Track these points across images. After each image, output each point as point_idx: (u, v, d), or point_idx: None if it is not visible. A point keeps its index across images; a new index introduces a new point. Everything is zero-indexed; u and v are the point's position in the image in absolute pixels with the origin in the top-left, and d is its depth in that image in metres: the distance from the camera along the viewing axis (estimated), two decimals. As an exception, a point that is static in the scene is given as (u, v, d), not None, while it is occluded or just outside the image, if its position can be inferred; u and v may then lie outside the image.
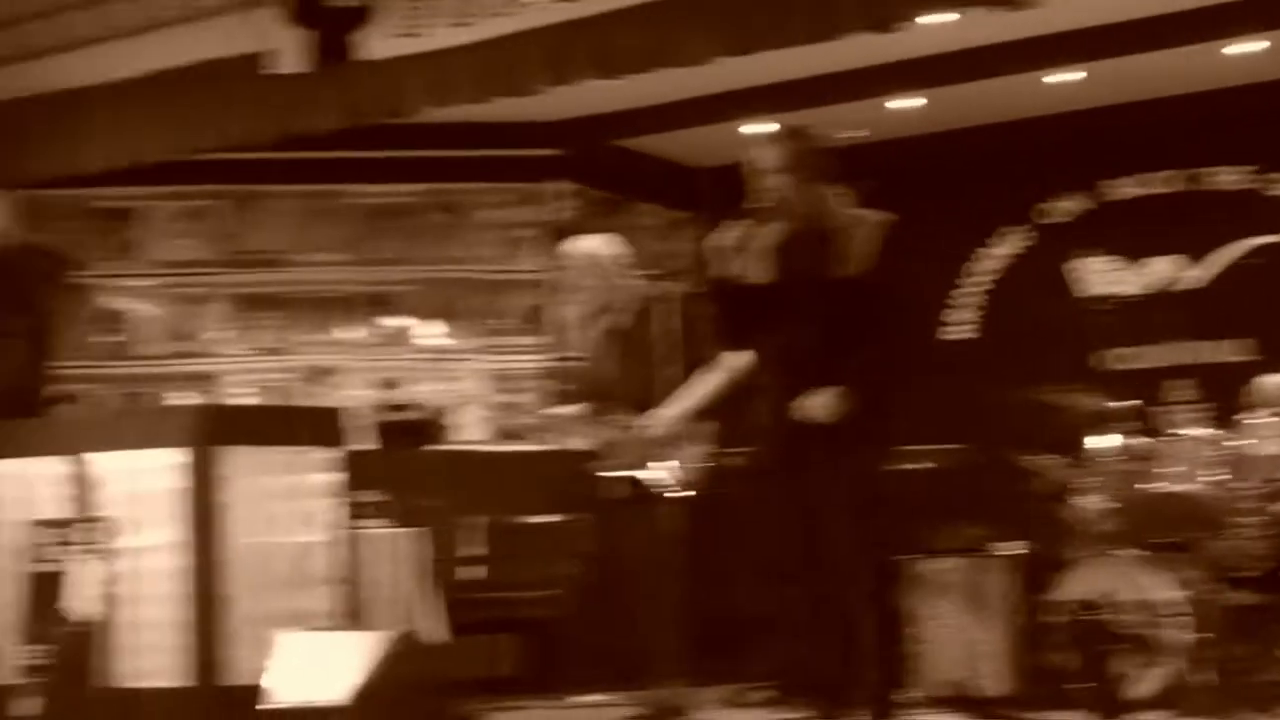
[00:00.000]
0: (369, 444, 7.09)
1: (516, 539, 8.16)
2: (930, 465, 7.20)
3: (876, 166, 6.17)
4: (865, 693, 5.33)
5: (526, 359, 8.72)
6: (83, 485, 6.77)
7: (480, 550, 8.15)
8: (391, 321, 8.74)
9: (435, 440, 7.25)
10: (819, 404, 5.23)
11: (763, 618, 7.33)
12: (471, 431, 8.43)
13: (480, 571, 8.12)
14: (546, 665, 7.88)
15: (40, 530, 6.78)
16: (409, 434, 7.13)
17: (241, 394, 8.54)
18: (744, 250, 5.38)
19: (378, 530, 7.09)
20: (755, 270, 5.41)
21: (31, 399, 7.55)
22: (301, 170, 8.54)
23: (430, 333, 8.69)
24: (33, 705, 6.55)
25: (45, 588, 6.66)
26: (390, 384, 8.49)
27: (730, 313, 5.52)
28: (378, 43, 6.45)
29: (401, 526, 7.01)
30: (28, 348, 7.63)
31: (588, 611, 7.70)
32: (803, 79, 7.89)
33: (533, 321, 8.79)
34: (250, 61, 6.75)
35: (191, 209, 8.78)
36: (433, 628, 6.96)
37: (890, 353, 5.30)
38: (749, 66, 6.33)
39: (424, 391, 7.89)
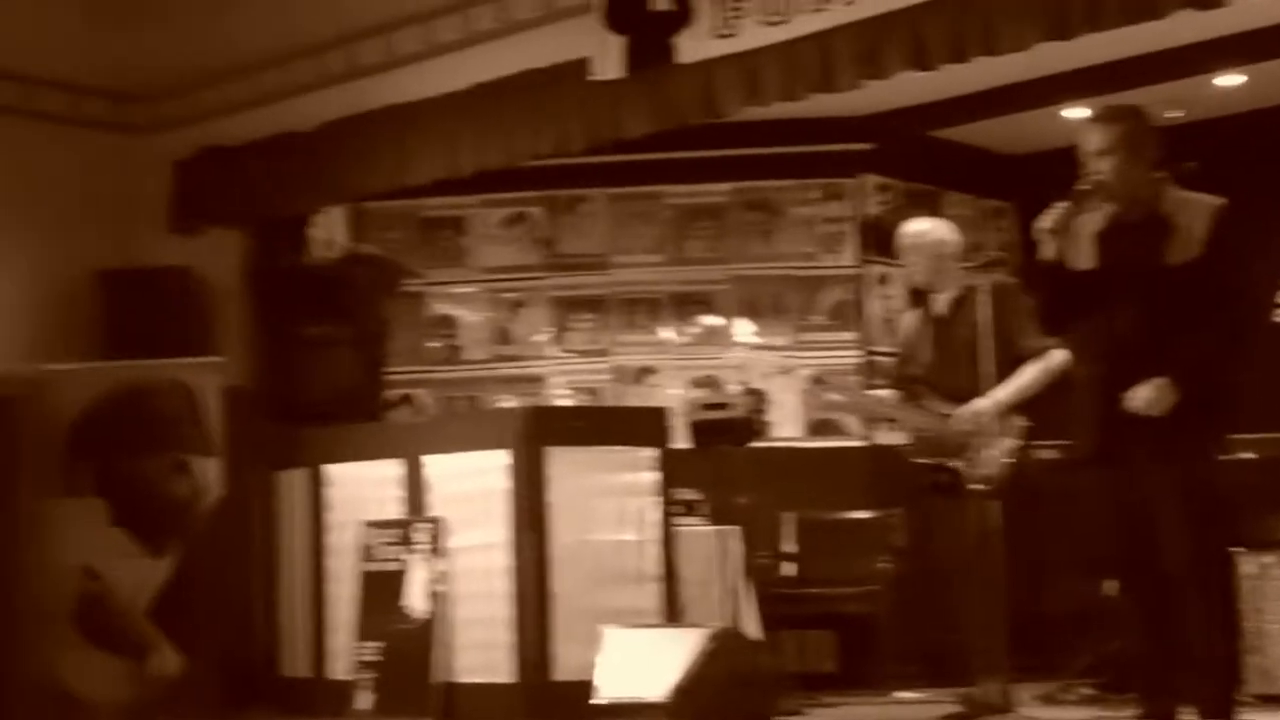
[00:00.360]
0: (686, 442, 7.15)
1: (831, 534, 8.15)
2: (1262, 455, 6.95)
3: (1200, 147, 5.99)
4: (1195, 690, 5.16)
5: (839, 354, 8.69)
6: (416, 486, 7.00)
7: (796, 546, 8.16)
8: (706, 320, 8.81)
9: (750, 437, 7.27)
10: (1146, 395, 5.09)
11: (1084, 613, 7.18)
12: (786, 428, 8.44)
13: (796, 567, 8.13)
14: (863, 661, 7.85)
15: (376, 530, 7.04)
16: (724, 431, 7.16)
17: (563, 395, 8.71)
18: (1068, 236, 5.26)
19: (696, 528, 7.17)
20: (1079, 256, 5.29)
21: (366, 404, 7.84)
22: (616, 173, 8.68)
23: (744, 330, 8.72)
24: (369, 699, 6.79)
25: (381, 586, 6.91)
26: (705, 382, 8.56)
27: (1053, 300, 5.41)
28: (692, 44, 6.49)
29: (719, 524, 7.06)
30: (360, 355, 7.91)
31: (904, 607, 7.64)
32: (1119, 60, 7.68)
33: (845, 316, 8.75)
34: (567, 70, 6.86)
35: (513, 215, 8.98)
36: (750, 624, 7.00)
37: (1222, 341, 5.12)
38: (1064, 50, 6.17)
39: (738, 389, 7.89)
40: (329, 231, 8.13)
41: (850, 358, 8.66)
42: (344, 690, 6.95)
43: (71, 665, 7.22)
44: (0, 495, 7.72)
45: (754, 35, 6.38)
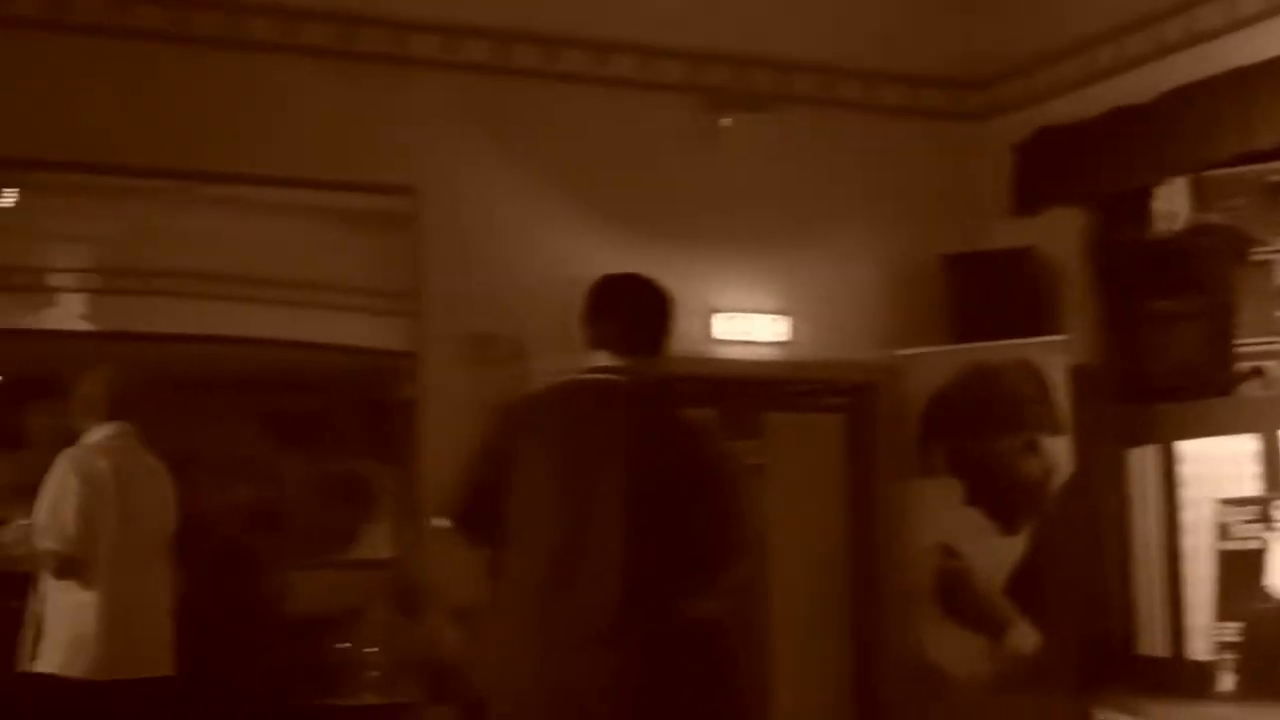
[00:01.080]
0: None
1: None
2: None
3: None
4: None
5: None
6: (1273, 462, 6.78)
7: None
8: None
9: None
10: None
11: None
12: None
13: None
14: None
15: (1232, 508, 6.88)
16: None
17: None
18: None
19: None
20: None
21: (1215, 378, 7.66)
22: None
23: None
24: (1230, 681, 6.65)
25: (1240, 565, 6.74)
26: None
27: None
28: None
29: None
30: (1207, 328, 7.74)
31: None
32: None
33: None
34: None
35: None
36: None
37: None
38: None
39: None
40: (1171, 203, 7.99)
41: None
42: (1204, 671, 6.84)
43: (933, 640, 7.53)
44: (862, 476, 8.21)
45: None
